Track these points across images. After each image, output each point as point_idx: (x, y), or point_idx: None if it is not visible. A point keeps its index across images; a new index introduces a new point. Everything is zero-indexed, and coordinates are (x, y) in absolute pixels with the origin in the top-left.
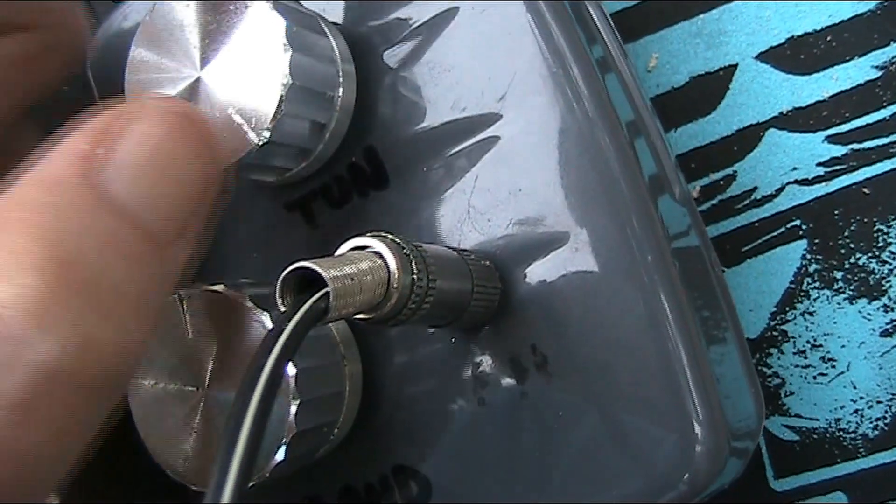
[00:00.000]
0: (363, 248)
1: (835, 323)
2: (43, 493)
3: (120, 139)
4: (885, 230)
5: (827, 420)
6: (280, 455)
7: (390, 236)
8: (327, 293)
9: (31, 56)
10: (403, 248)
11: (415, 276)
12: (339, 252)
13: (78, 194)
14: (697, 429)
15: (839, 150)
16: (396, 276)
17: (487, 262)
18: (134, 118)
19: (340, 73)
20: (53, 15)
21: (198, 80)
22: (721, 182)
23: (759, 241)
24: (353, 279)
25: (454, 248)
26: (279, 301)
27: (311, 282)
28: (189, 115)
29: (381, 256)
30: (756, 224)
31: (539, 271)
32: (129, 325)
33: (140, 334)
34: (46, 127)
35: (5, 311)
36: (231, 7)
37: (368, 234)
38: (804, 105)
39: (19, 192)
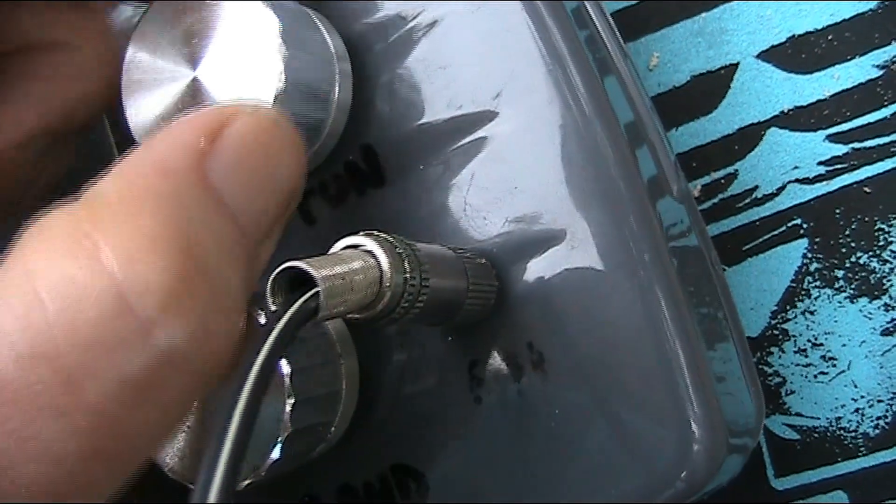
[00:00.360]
0: (356, 246)
1: (836, 322)
2: (132, 471)
3: (221, 136)
4: (886, 229)
5: (828, 419)
6: (275, 454)
7: (383, 235)
8: (318, 292)
9: (65, 76)
10: (396, 247)
11: (407, 276)
12: (332, 251)
13: (190, 185)
14: (695, 427)
15: (840, 149)
16: (388, 275)
17: (483, 260)
18: (233, 117)
19: (337, 72)
20: (87, 35)
21: (194, 79)
22: (722, 181)
23: (760, 239)
24: (343, 278)
25: (450, 247)
26: (270, 300)
27: (303, 281)
28: (280, 119)
29: (373, 255)
30: (757, 223)
31: (536, 269)
32: (236, 318)
33: (241, 328)
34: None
35: (139, 293)
36: (226, 6)
37: (361, 233)
38: (805, 104)
39: (137, 177)
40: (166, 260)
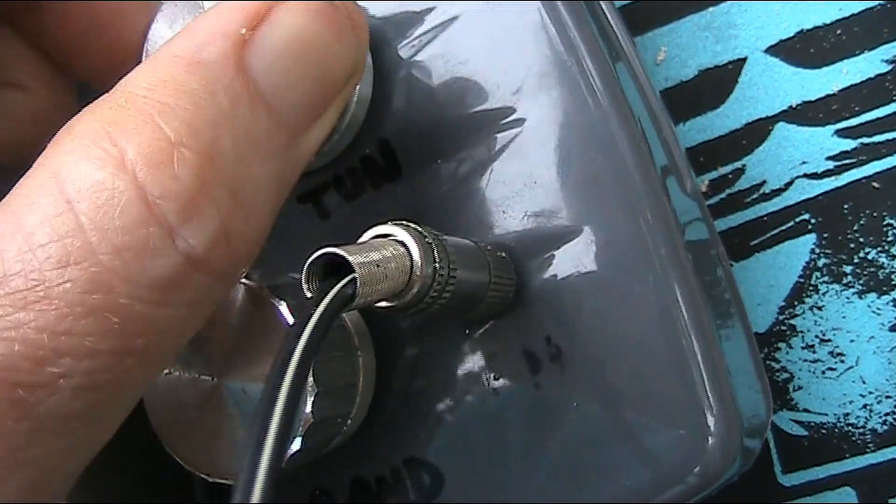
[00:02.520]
0: (386, 235)
1: (843, 317)
2: (164, 366)
3: (265, 22)
4: (895, 224)
5: (835, 415)
6: (296, 445)
7: (412, 225)
8: (354, 279)
9: (17, 117)
10: (426, 237)
11: (437, 265)
12: (362, 239)
13: (224, 77)
14: (710, 421)
15: (849, 144)
16: (419, 264)
17: (503, 254)
18: (280, 3)
19: None
20: (46, 83)
21: None
22: (730, 176)
23: (768, 235)
24: (378, 265)
25: (471, 240)
26: (305, 286)
27: (336, 268)
28: (336, 3)
29: (403, 245)
30: (765, 218)
31: (553, 263)
32: (260, 218)
33: (267, 226)
34: None
35: (162, 202)
36: None
37: (391, 223)
38: (813, 99)
39: (169, 68)
40: (186, 165)
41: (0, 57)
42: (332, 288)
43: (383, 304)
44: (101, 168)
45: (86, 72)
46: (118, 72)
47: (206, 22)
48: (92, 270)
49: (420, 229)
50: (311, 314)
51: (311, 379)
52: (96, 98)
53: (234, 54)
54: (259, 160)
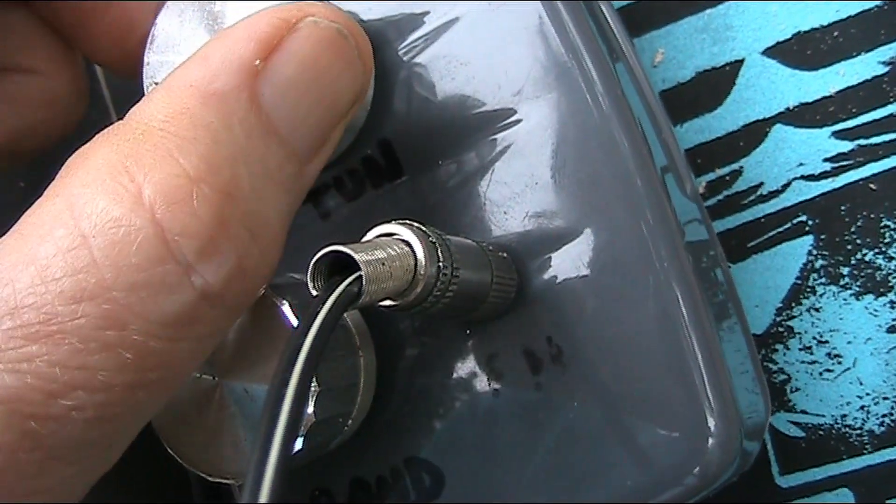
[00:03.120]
0: (390, 234)
1: (841, 319)
2: (172, 393)
3: (278, 51)
4: (892, 226)
5: (833, 416)
6: (297, 445)
7: (416, 224)
8: (360, 276)
9: (31, 100)
10: (430, 237)
11: (440, 265)
12: (365, 238)
13: (239, 110)
14: (711, 422)
15: (846, 146)
16: (423, 263)
17: (504, 254)
18: (293, 29)
19: None
20: (59, 67)
21: None
22: (727, 177)
23: (765, 236)
24: (384, 264)
25: (473, 240)
26: (310, 284)
27: (341, 268)
28: (345, 28)
29: (408, 244)
30: (762, 220)
31: (555, 263)
32: (274, 251)
33: (279, 256)
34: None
35: (181, 240)
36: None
37: (395, 222)
38: (811, 100)
39: (184, 100)
40: (206, 202)
41: (16, 40)
42: (338, 286)
43: (387, 302)
44: (119, 203)
45: (93, 52)
46: (124, 51)
47: (219, 50)
48: (105, 307)
49: (424, 229)
50: (318, 311)
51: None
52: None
53: (248, 86)
54: (273, 193)
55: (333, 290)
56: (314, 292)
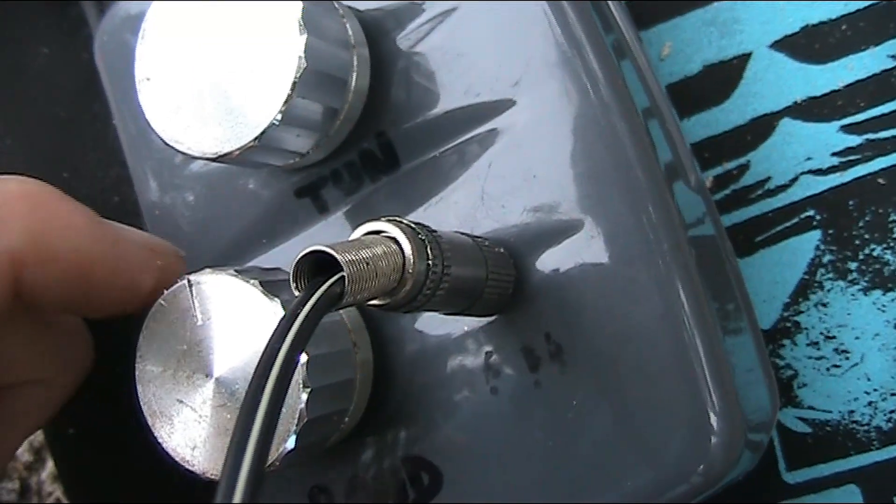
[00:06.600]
0: (378, 232)
1: (849, 314)
2: None
3: None
4: None
5: (840, 412)
6: (290, 443)
7: (405, 221)
8: (342, 277)
9: (36, 408)
10: (419, 234)
11: (430, 262)
12: (353, 236)
13: None
14: (714, 420)
15: (854, 140)
16: (411, 261)
17: (501, 250)
18: None
19: (355, 58)
20: (59, 369)
21: (214, 65)
22: (734, 172)
23: (773, 231)
24: (368, 263)
25: (469, 235)
26: (293, 285)
27: (326, 266)
28: None
29: (396, 241)
30: (770, 214)
31: (554, 259)
32: None
33: None
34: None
35: None
36: None
37: (383, 219)
38: (819, 94)
39: None
40: None
41: (24, 354)
42: (319, 287)
43: (376, 301)
44: None
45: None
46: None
47: None
48: None
49: (413, 225)
50: (298, 313)
51: (305, 376)
52: None
53: None
54: None
55: (314, 291)
56: (297, 293)
